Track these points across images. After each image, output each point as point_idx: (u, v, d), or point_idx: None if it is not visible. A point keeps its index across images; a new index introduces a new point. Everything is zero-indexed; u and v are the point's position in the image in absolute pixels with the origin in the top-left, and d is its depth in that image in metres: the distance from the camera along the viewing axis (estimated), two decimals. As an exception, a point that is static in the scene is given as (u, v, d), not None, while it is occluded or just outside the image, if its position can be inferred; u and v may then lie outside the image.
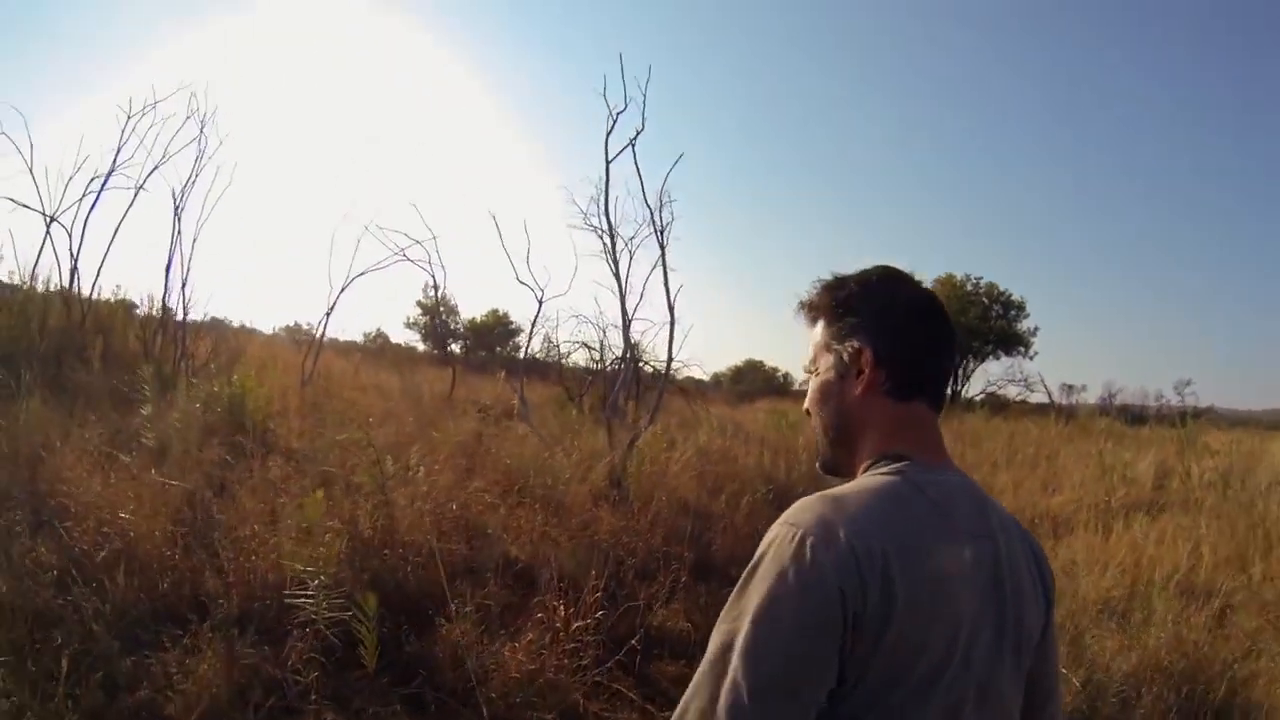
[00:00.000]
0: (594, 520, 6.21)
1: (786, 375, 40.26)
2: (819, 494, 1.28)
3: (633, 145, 8.73)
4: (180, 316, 10.54)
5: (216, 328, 12.01)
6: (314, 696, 3.56)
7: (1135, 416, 23.83)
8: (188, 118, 10.79)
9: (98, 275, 10.84)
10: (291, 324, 25.76)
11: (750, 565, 1.23)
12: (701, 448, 9.11)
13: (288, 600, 4.02)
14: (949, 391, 1.45)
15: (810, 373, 1.48)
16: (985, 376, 33.28)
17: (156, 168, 10.56)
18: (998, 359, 33.11)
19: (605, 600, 4.63)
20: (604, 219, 9.07)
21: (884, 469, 1.32)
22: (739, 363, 40.98)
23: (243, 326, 13.43)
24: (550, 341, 13.83)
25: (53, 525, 4.48)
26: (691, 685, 1.19)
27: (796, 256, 63.32)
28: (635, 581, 5.26)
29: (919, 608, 1.17)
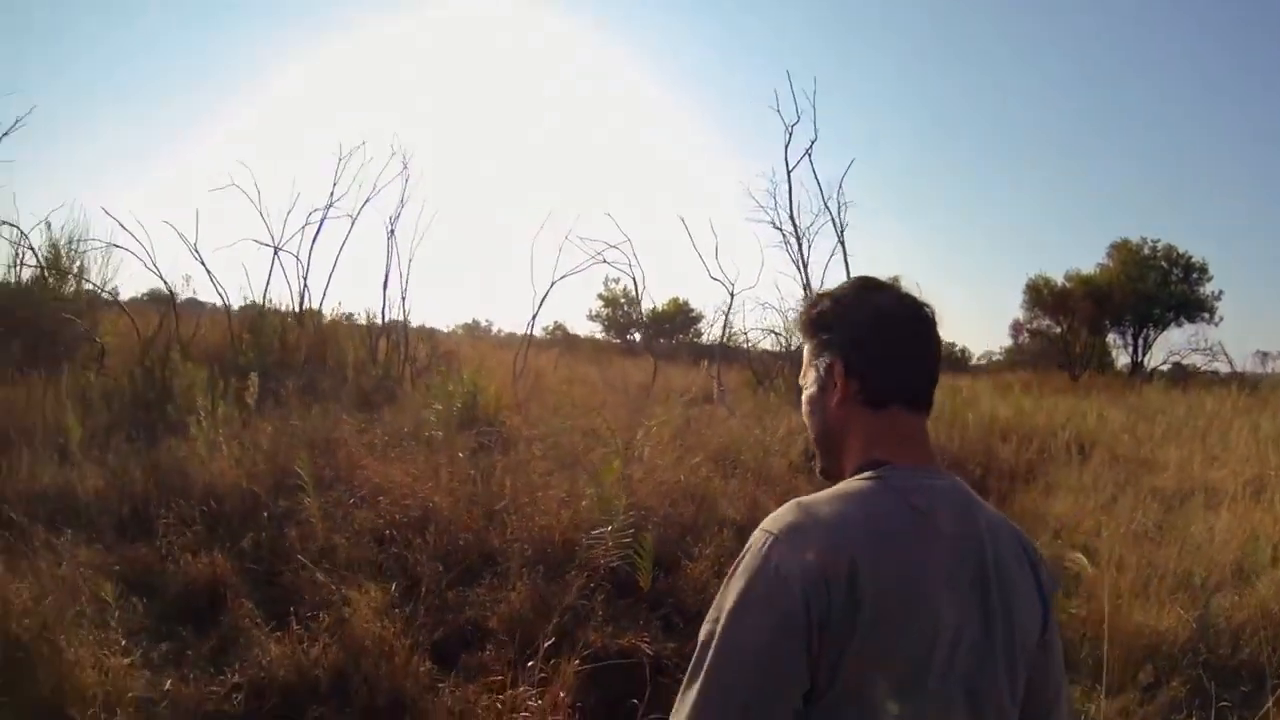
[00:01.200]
0: (794, 489, 6.97)
1: (964, 350, 39.41)
2: (797, 500, 1.34)
3: (809, 154, 9.53)
4: (403, 326, 11.96)
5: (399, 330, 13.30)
6: (600, 614, 4.58)
7: (1337, 387, 21.66)
8: (392, 155, 12.49)
9: (324, 295, 12.43)
10: (470, 321, 27.55)
11: (732, 566, 1.31)
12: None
13: (587, 543, 5.12)
14: (932, 397, 1.46)
15: (802, 386, 1.53)
16: (1167, 345, 30.35)
17: (368, 200, 12.12)
18: (1180, 326, 30.42)
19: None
20: (790, 222, 9.84)
21: (865, 475, 1.36)
22: None
23: (421, 326, 14.67)
24: (732, 327, 14.46)
25: (365, 501, 5.65)
26: (685, 679, 1.27)
27: (976, 228, 61.52)
28: None
29: (891, 613, 1.20)
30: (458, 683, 3.89)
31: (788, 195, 9.73)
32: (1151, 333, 30.88)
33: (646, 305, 17.13)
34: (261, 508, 5.35)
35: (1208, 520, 6.67)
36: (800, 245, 9.72)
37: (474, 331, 26.66)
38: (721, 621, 1.24)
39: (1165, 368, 28.87)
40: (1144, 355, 30.86)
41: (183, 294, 10.91)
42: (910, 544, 1.26)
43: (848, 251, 9.38)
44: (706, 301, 52.57)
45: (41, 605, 3.65)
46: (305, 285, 12.04)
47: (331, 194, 12.13)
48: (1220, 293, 30.57)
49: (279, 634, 3.97)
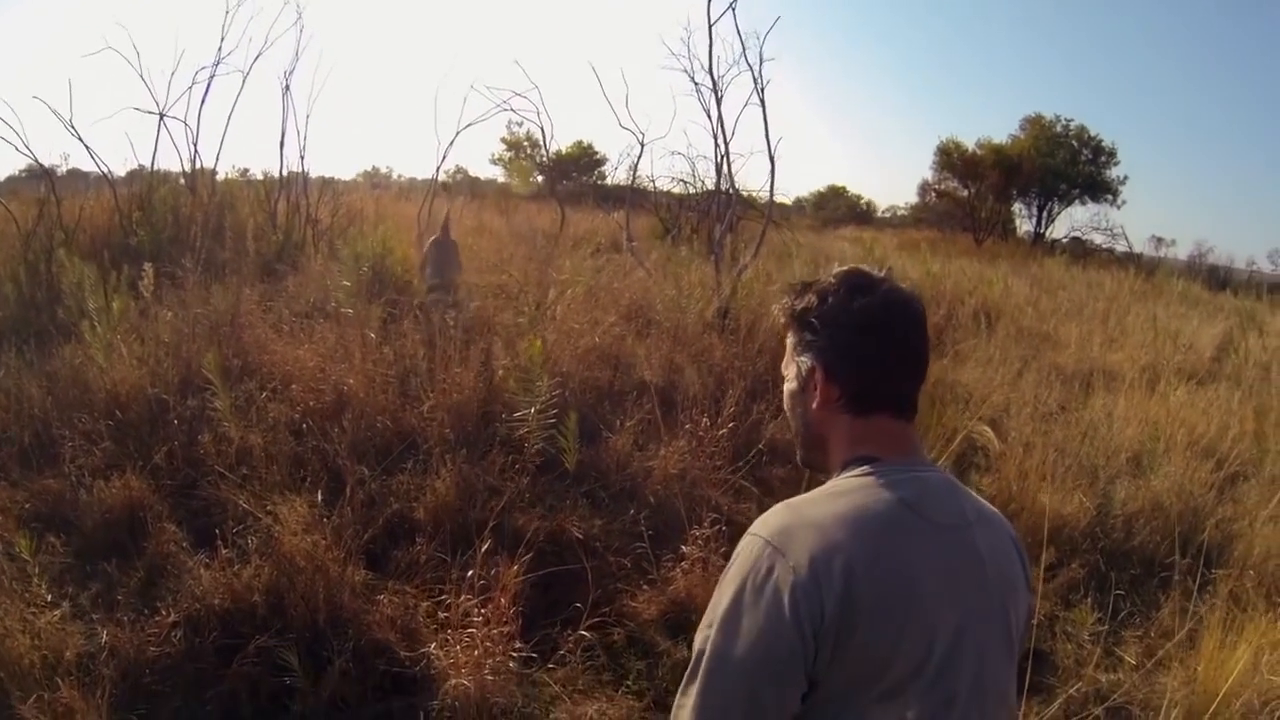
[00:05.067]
0: (708, 348, 7.05)
1: (869, 203, 39.81)
2: (786, 502, 1.32)
3: (732, 8, 9.12)
4: (302, 184, 11.45)
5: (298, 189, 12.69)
6: (527, 496, 4.61)
7: (1221, 281, 21.72)
8: (284, 4, 11.67)
9: (217, 160, 11.82)
10: (370, 169, 26.75)
11: (724, 570, 1.30)
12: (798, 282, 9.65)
13: (507, 421, 5.13)
14: (917, 399, 1.43)
15: (783, 376, 1.52)
16: (1070, 221, 32.13)
17: (260, 55, 11.36)
18: (1084, 205, 31.53)
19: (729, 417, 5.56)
20: (707, 75, 9.51)
21: (854, 472, 1.35)
22: (821, 188, 40.58)
23: (320, 178, 14.04)
24: (636, 172, 14.26)
25: (277, 392, 5.53)
26: (682, 684, 1.28)
27: (885, 83, 60.91)
28: (747, 400, 6.01)
29: (888, 610, 1.20)
30: (395, 589, 3.92)
31: (708, 49, 9.37)
32: (1056, 207, 31.63)
33: (551, 149, 16.67)
34: (169, 412, 5.19)
35: (1106, 406, 7.06)
36: (717, 97, 9.41)
37: (374, 179, 25.95)
38: (714, 628, 1.24)
39: (1065, 240, 29.77)
40: (1046, 227, 31.67)
41: (62, 168, 10.30)
42: (904, 540, 1.26)
43: (766, 106, 9.05)
44: (611, 145, 51.27)
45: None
46: (196, 151, 11.45)
47: (219, 50, 11.37)
48: (1125, 178, 31.25)
49: (208, 559, 3.90)
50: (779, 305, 1.52)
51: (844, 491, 1.31)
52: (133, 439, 4.94)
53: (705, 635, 1.25)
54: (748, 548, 1.27)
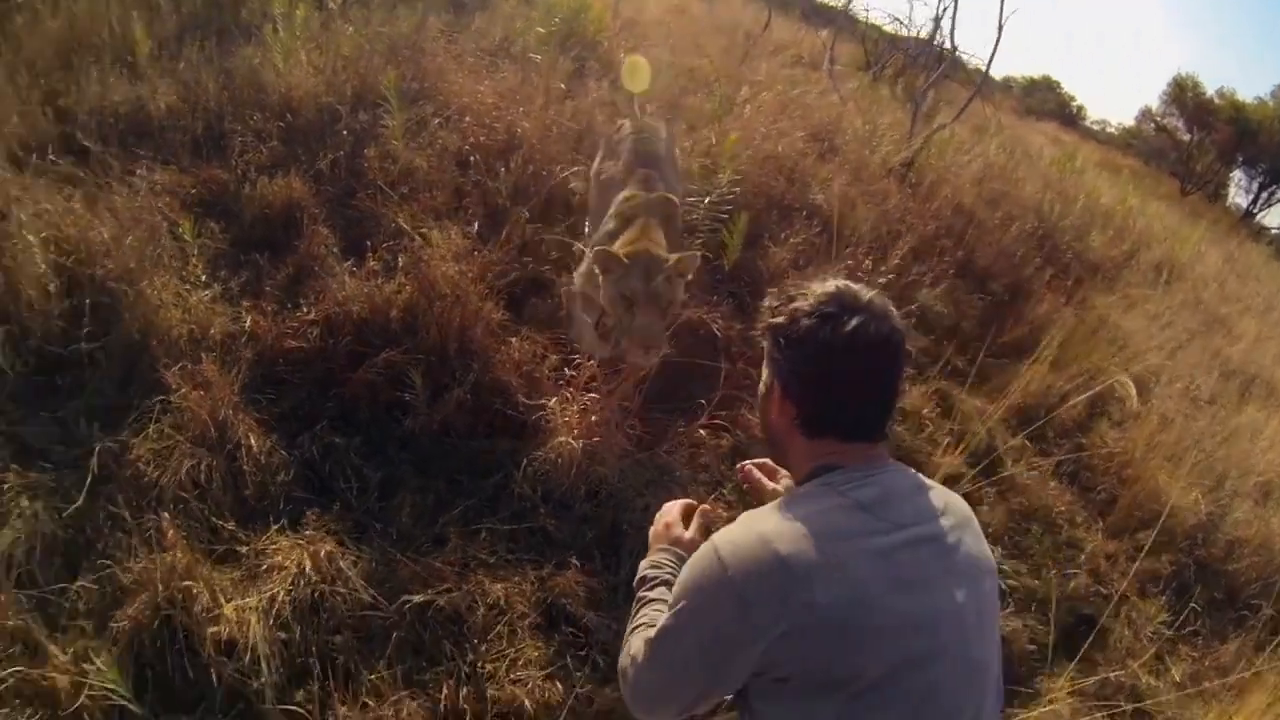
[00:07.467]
0: (884, 192, 6.59)
1: (1080, 108, 36.23)
2: (747, 514, 1.38)
3: None
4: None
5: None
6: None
7: None
8: None
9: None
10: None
11: (689, 563, 1.39)
12: (989, 161, 8.89)
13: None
14: (881, 425, 1.46)
15: (760, 376, 1.57)
16: None
17: None
18: None
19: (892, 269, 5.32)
20: None
21: (813, 483, 1.40)
22: (1035, 75, 37.08)
23: None
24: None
25: (450, 121, 5.39)
26: (646, 645, 1.40)
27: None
28: (909, 257, 5.70)
29: (845, 617, 1.23)
30: (528, 335, 3.90)
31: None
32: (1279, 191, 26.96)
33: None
34: (339, 122, 5.12)
35: (1257, 422, 6.42)
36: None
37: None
38: (661, 622, 1.36)
39: (1275, 230, 25.55)
40: (1261, 209, 27.23)
41: None
42: (861, 544, 1.28)
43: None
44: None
45: (122, 248, 3.60)
46: None
47: None
48: (1370, 194, 26.23)
49: (354, 268, 3.95)
50: (763, 307, 1.53)
51: (799, 501, 1.36)
52: (300, 143, 4.90)
53: (669, 612, 1.36)
54: (702, 556, 1.34)
